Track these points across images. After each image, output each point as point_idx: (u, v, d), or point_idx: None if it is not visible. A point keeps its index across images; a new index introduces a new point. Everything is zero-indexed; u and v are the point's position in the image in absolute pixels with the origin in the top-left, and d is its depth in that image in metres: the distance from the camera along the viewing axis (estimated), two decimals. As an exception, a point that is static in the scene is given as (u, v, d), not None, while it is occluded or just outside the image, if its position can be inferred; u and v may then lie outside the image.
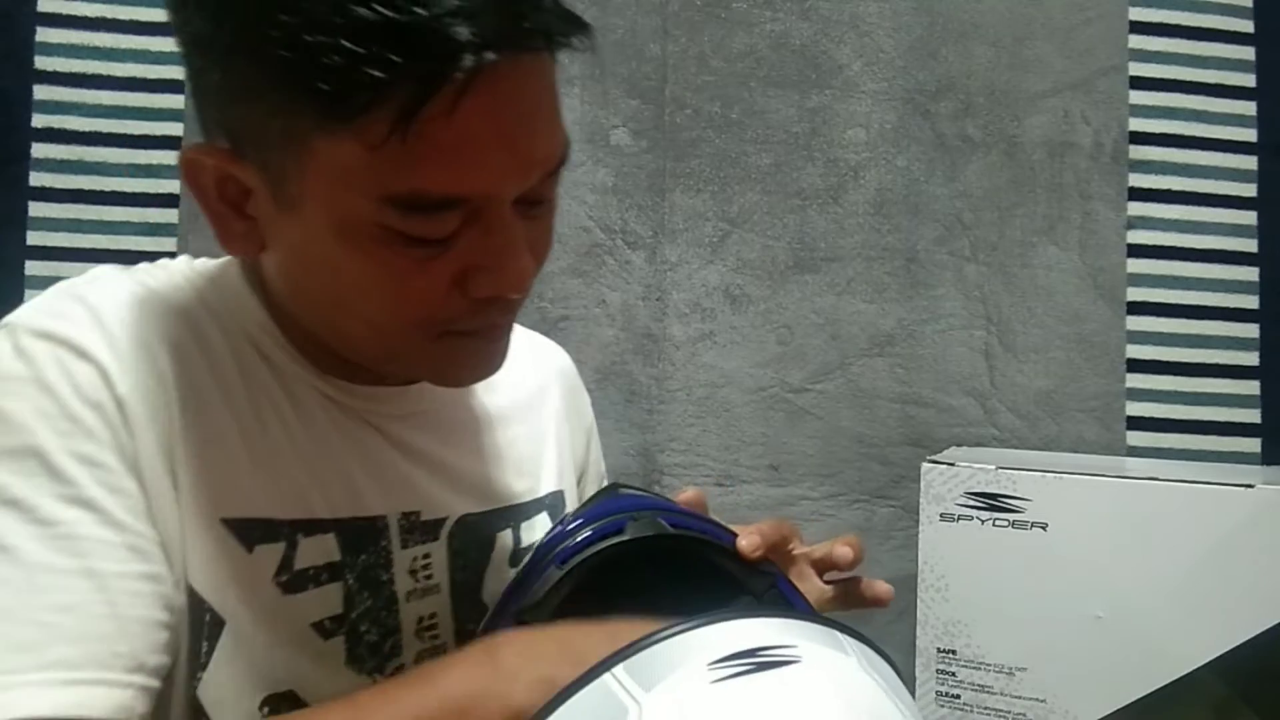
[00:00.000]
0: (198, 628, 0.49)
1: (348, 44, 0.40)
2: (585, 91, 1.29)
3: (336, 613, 0.54)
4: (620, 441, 1.28)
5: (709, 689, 0.36)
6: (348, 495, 0.55)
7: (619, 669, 0.36)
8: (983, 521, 0.98)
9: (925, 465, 1.03)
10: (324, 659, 0.53)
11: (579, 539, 0.53)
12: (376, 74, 0.41)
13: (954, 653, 0.98)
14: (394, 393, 0.58)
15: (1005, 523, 0.98)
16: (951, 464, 1.01)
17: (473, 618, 0.60)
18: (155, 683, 0.46)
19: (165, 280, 0.53)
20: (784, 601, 0.56)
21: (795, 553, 0.62)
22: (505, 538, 0.63)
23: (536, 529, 0.65)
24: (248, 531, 0.51)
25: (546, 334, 1.27)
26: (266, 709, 0.51)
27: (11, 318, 0.50)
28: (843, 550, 0.62)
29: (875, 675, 0.40)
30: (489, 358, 0.54)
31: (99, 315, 0.49)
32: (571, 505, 0.69)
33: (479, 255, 0.47)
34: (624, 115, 1.29)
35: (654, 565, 0.53)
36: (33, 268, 1.19)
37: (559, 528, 0.55)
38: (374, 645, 0.55)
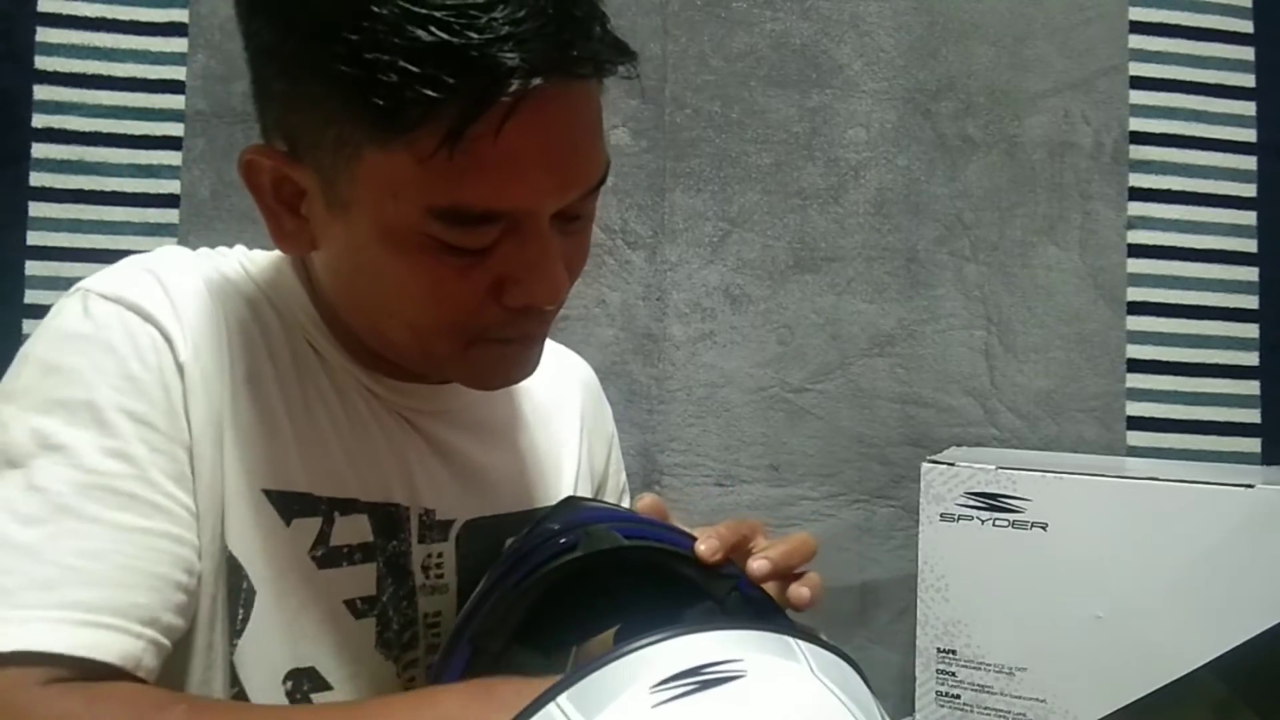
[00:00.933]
0: (235, 594, 0.51)
1: (404, 63, 0.43)
2: (585, 91, 1.28)
3: (369, 593, 0.55)
4: (620, 441, 1.28)
5: (649, 713, 0.36)
6: (380, 481, 0.57)
7: (563, 698, 0.36)
8: (983, 521, 0.98)
9: (925, 465, 1.03)
10: (353, 638, 0.54)
11: (533, 561, 0.53)
12: (429, 93, 0.43)
13: (954, 653, 0.98)
14: (428, 390, 0.60)
15: (1005, 523, 0.98)
16: (951, 464, 1.01)
17: None
18: (167, 642, 0.47)
19: (229, 265, 0.56)
20: (746, 605, 0.55)
21: (755, 551, 0.62)
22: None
23: None
24: (287, 504, 0.52)
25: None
26: (289, 683, 0.52)
27: (85, 282, 0.55)
28: (800, 592, 0.61)
29: (827, 680, 0.39)
30: (521, 365, 0.56)
31: (167, 286, 0.52)
32: None
33: (515, 267, 0.49)
34: (624, 115, 1.29)
35: (616, 576, 0.53)
36: (33, 268, 1.19)
37: (515, 545, 0.55)
38: (398, 633, 0.57)
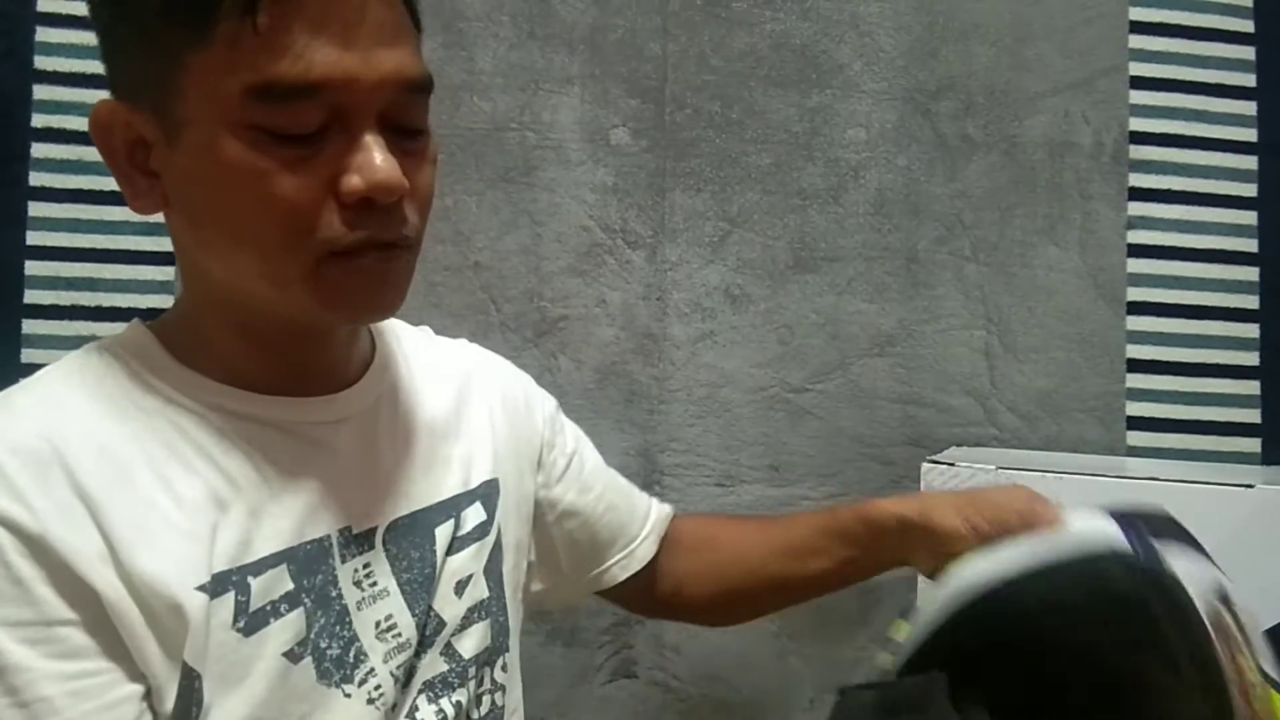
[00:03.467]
0: (186, 695, 0.50)
1: None
2: (585, 91, 1.29)
3: (302, 636, 0.54)
4: (620, 441, 1.28)
5: None
6: (290, 524, 0.55)
7: None
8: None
9: (925, 465, 1.03)
10: (295, 683, 0.54)
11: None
12: None
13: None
14: (319, 401, 0.59)
15: (1005, 523, 0.97)
16: (951, 464, 1.01)
17: (425, 615, 0.61)
18: None
19: (43, 385, 0.54)
20: None
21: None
22: (445, 529, 0.64)
23: (471, 518, 0.66)
24: (207, 590, 0.51)
25: (546, 334, 1.28)
26: None
27: None
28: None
29: None
30: (379, 286, 0.55)
31: None
32: (511, 494, 0.70)
33: (346, 159, 0.50)
34: (624, 115, 1.29)
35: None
36: (32, 268, 1.19)
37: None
38: (338, 658, 0.56)
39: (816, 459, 1.31)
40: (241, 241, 0.52)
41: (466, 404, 0.70)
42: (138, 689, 0.49)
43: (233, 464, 0.54)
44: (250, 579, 0.53)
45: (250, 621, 0.52)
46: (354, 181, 0.50)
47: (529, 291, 1.28)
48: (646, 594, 0.82)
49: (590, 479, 0.79)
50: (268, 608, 0.53)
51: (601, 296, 1.29)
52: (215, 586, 0.51)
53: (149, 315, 0.60)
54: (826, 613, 1.31)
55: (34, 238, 1.19)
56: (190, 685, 0.50)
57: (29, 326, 1.18)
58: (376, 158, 0.51)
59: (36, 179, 1.19)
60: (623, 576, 0.79)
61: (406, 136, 0.53)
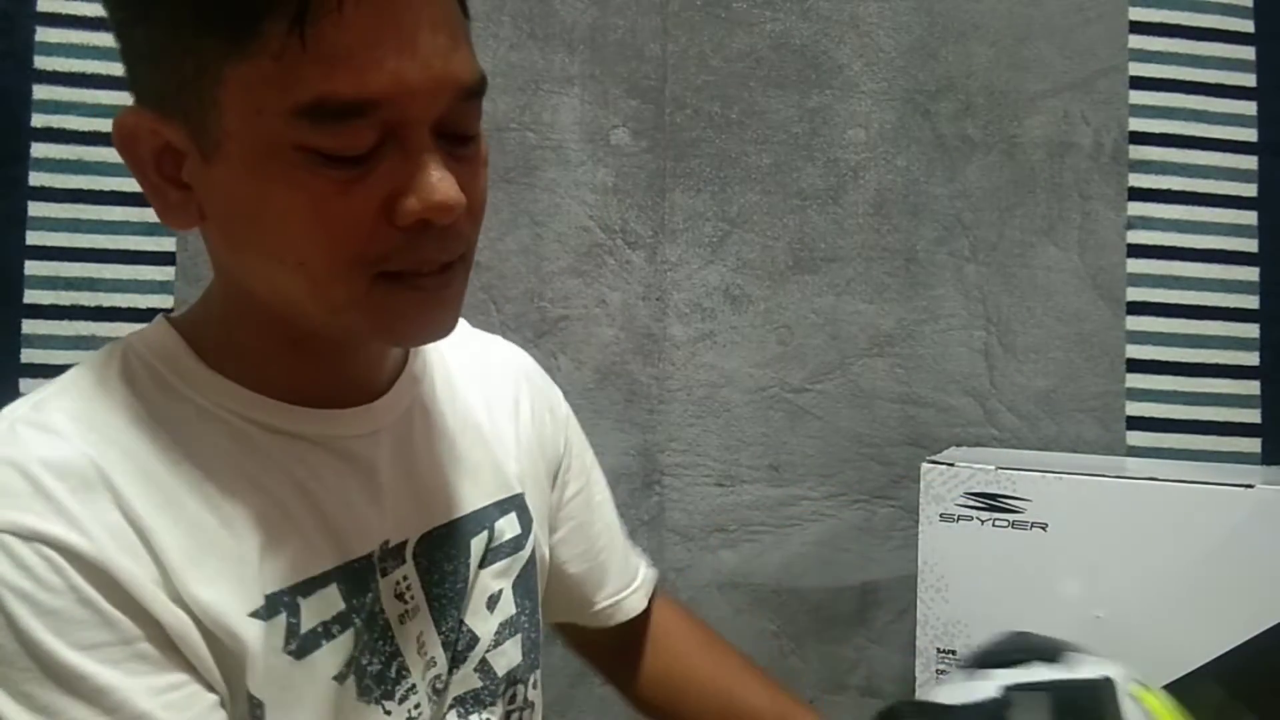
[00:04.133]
0: None
1: None
2: (585, 91, 1.29)
3: (350, 656, 0.53)
4: (620, 441, 1.28)
5: None
6: (334, 542, 0.54)
7: None
8: (983, 522, 0.98)
9: (925, 465, 1.03)
10: (340, 705, 0.53)
11: None
12: None
13: (954, 653, 0.98)
14: (354, 413, 0.56)
15: (1005, 523, 0.98)
16: (951, 464, 1.01)
17: (456, 630, 0.60)
18: None
19: (73, 400, 0.51)
20: None
21: None
22: (479, 541, 0.62)
23: (506, 530, 0.64)
24: (260, 615, 0.50)
25: (546, 334, 1.28)
26: None
27: None
28: None
29: None
30: (435, 309, 0.52)
31: (33, 478, 0.46)
32: (535, 507, 0.68)
33: (401, 179, 0.47)
34: (624, 115, 1.29)
35: None
36: (32, 268, 1.19)
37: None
38: (378, 674, 0.55)
39: (816, 459, 1.31)
40: (286, 265, 0.48)
41: (497, 408, 0.68)
42: (217, 698, 0.48)
43: (272, 482, 0.52)
44: (300, 600, 0.51)
45: (301, 644, 0.51)
46: (412, 204, 0.47)
47: (529, 291, 1.28)
48: (609, 651, 0.79)
49: (597, 511, 0.77)
50: (319, 629, 0.52)
51: (601, 296, 1.29)
52: (268, 610, 0.50)
53: (148, 316, 0.58)
54: (826, 613, 1.31)
55: (34, 238, 1.19)
56: (254, 714, 0.49)
57: (29, 326, 1.18)
58: (435, 176, 0.47)
59: (36, 179, 1.19)
60: (608, 624, 0.77)
61: (460, 143, 0.50)
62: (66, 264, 1.19)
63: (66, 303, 1.19)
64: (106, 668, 0.45)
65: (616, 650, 0.79)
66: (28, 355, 1.17)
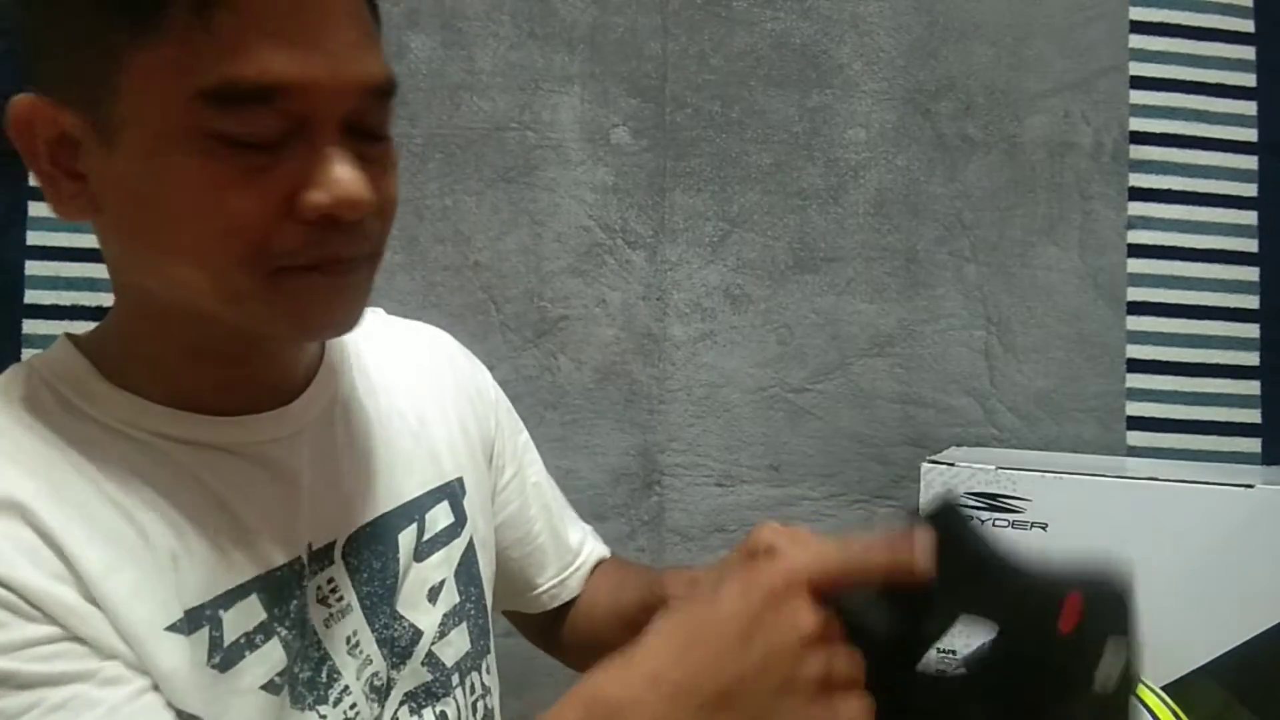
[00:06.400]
0: None
1: None
2: (585, 91, 1.29)
3: (281, 666, 0.52)
4: (620, 441, 1.28)
5: None
6: (255, 552, 0.52)
7: None
8: (983, 521, 0.98)
9: (925, 465, 1.03)
10: (277, 712, 0.52)
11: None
12: None
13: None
14: (269, 416, 0.55)
15: (1005, 523, 0.98)
16: (951, 464, 1.01)
17: (391, 626, 0.59)
18: None
19: (13, 409, 0.50)
20: None
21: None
22: (409, 535, 0.61)
23: (439, 519, 0.63)
24: (180, 629, 0.49)
25: (546, 334, 1.28)
26: None
27: None
28: None
29: None
30: (341, 301, 0.51)
31: None
32: (474, 490, 0.67)
33: (306, 172, 0.46)
34: (624, 115, 1.29)
35: None
36: (33, 268, 1.19)
37: None
38: (309, 680, 0.54)
39: (816, 459, 1.31)
40: (185, 255, 0.47)
41: (424, 394, 0.67)
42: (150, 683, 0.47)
43: (185, 494, 0.51)
44: (221, 613, 0.50)
45: (225, 657, 0.50)
46: (316, 197, 0.46)
47: (529, 291, 1.28)
48: (552, 632, 0.79)
49: (532, 494, 0.76)
50: (241, 640, 0.51)
51: (601, 296, 1.29)
52: (189, 624, 0.49)
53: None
54: (826, 613, 1.31)
55: (34, 238, 1.19)
56: None
57: (29, 326, 1.18)
58: (342, 171, 0.46)
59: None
60: (551, 605, 0.76)
61: (370, 142, 0.49)
62: (66, 264, 1.19)
63: (66, 303, 1.19)
64: (35, 663, 0.43)
65: (559, 630, 0.79)
66: (28, 355, 1.17)
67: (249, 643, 0.51)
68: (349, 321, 0.52)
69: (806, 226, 1.32)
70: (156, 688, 0.47)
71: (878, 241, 1.32)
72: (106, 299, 1.20)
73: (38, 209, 1.19)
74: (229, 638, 0.50)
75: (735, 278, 1.31)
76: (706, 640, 0.41)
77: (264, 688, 0.51)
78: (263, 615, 0.52)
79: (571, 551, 0.78)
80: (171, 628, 0.48)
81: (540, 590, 0.76)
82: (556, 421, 1.27)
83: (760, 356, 1.31)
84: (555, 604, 0.77)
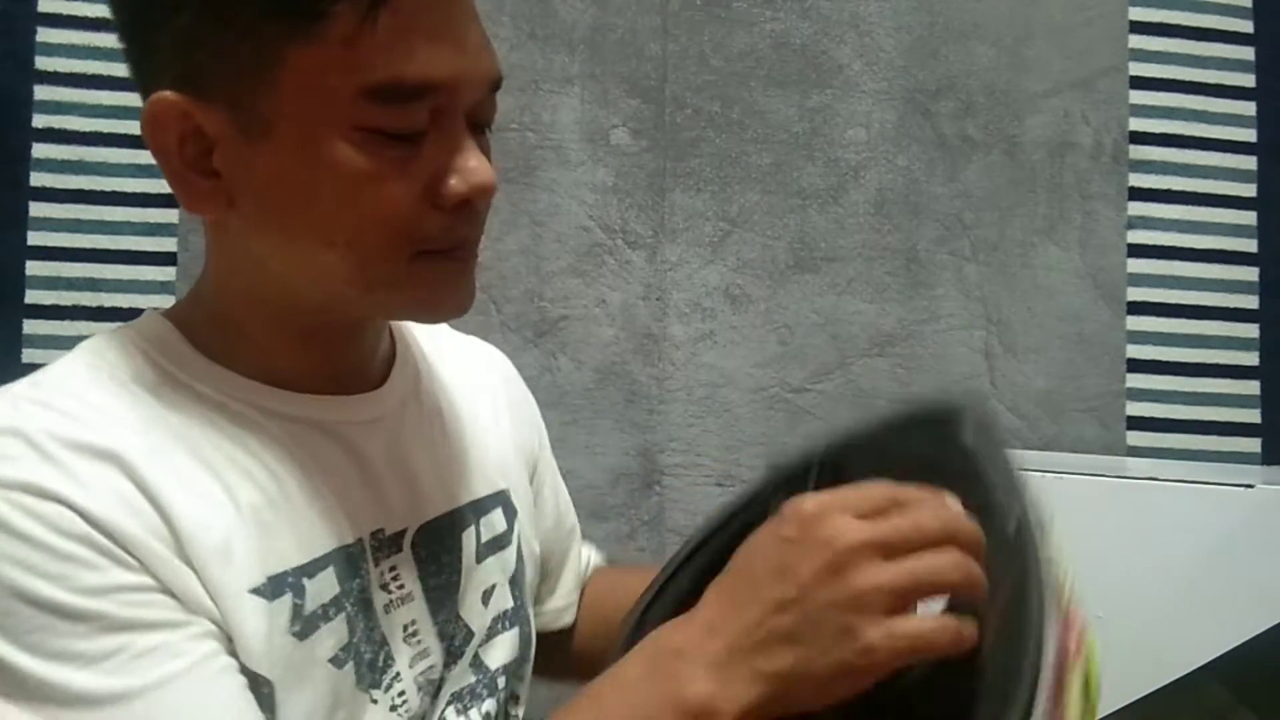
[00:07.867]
0: (264, 703, 0.49)
1: None
2: (585, 91, 1.29)
3: (345, 642, 0.54)
4: (620, 441, 1.28)
5: None
6: (332, 527, 0.54)
7: None
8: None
9: (925, 465, 1.03)
10: (340, 690, 0.53)
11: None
12: None
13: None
14: (358, 399, 0.58)
15: (1005, 523, 0.97)
16: (951, 464, 1.01)
17: (451, 619, 0.60)
18: None
19: (71, 384, 0.51)
20: None
21: None
22: (471, 534, 0.63)
23: (495, 524, 0.65)
24: (264, 593, 0.50)
25: (546, 334, 1.28)
26: None
27: None
28: None
29: None
30: (465, 283, 0.55)
31: (40, 446, 0.46)
32: (521, 505, 0.69)
33: (446, 160, 0.50)
34: (624, 115, 1.29)
35: None
36: (33, 268, 1.19)
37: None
38: (370, 661, 0.55)
39: (816, 459, 1.31)
40: (335, 245, 0.50)
41: (480, 404, 0.69)
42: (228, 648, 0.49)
43: (274, 462, 0.52)
44: (305, 580, 0.52)
45: (305, 625, 0.51)
46: (457, 185, 0.50)
47: (529, 291, 1.28)
48: (555, 652, 0.78)
49: (563, 510, 0.77)
50: (319, 611, 0.52)
51: (601, 296, 1.29)
52: (273, 589, 0.50)
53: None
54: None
55: (34, 238, 1.19)
56: (259, 692, 0.49)
57: (30, 326, 1.18)
58: (476, 160, 0.50)
59: (37, 179, 1.19)
60: (554, 626, 0.76)
61: (480, 132, 0.53)
62: (67, 264, 1.19)
63: (67, 303, 1.19)
64: (126, 608, 0.45)
65: (568, 644, 0.79)
66: (29, 355, 1.17)
67: (324, 614, 0.53)
68: (469, 302, 0.56)
69: (806, 226, 1.32)
70: (233, 652, 0.48)
71: (878, 241, 1.32)
72: (107, 299, 1.21)
73: (38, 209, 1.19)
74: (310, 607, 0.52)
75: (735, 278, 1.31)
76: (751, 581, 0.43)
77: (331, 661, 0.53)
78: (337, 589, 0.54)
79: (578, 575, 0.79)
80: (255, 590, 0.49)
81: (547, 610, 0.76)
82: (556, 421, 1.27)
83: (760, 356, 1.31)
84: (554, 627, 0.77)
